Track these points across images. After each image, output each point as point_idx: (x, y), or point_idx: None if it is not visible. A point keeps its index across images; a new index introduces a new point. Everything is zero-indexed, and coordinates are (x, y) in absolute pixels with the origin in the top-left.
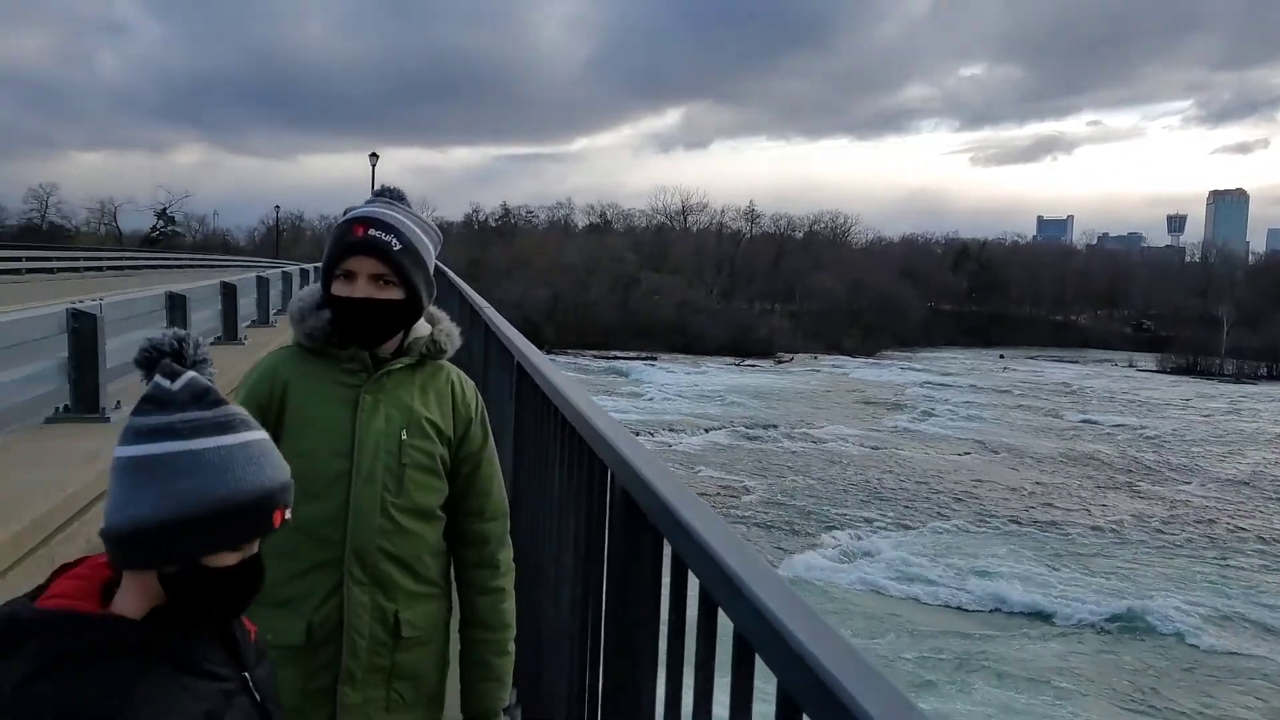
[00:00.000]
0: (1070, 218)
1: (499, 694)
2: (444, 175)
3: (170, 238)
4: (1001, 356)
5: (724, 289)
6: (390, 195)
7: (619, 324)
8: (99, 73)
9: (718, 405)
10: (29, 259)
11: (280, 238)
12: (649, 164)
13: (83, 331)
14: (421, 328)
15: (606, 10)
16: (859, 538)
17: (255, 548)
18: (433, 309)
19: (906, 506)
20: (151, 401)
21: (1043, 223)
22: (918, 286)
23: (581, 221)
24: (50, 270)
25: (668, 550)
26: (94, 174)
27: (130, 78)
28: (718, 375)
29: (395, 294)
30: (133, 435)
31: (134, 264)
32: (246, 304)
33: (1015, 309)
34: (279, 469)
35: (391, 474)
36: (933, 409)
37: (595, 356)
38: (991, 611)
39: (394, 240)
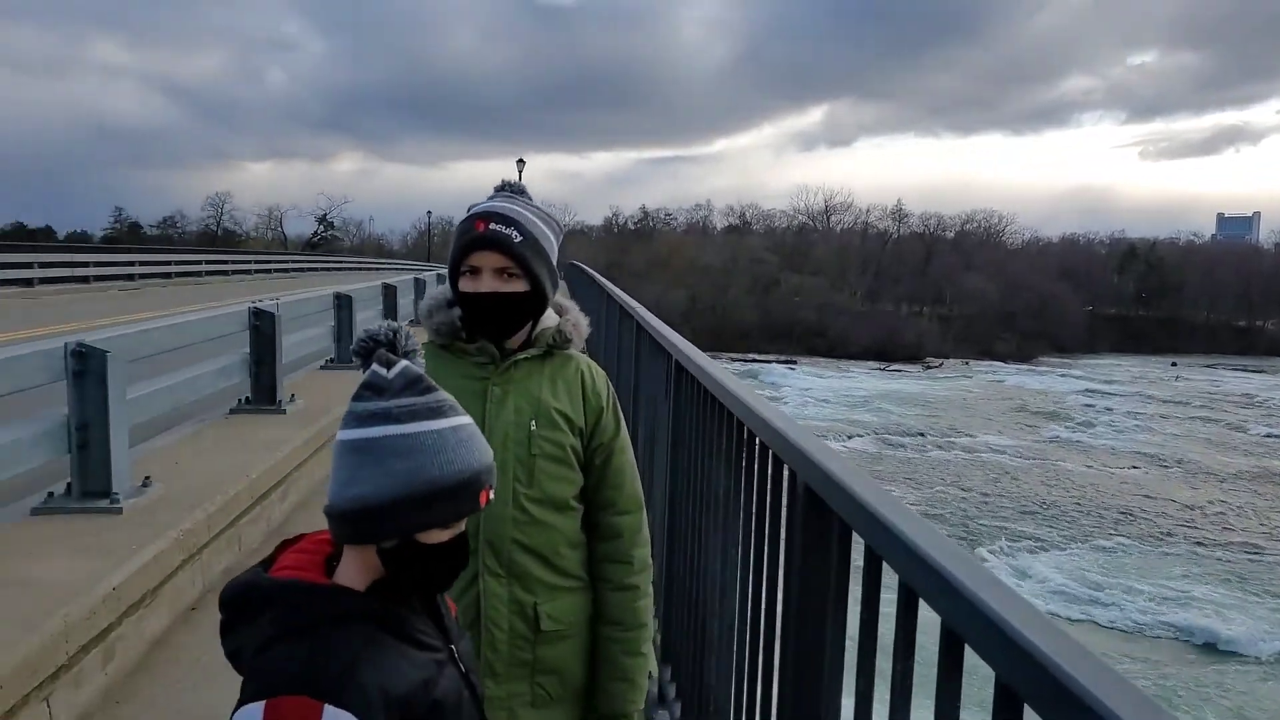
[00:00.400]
0: (1256, 214)
1: (630, 696)
2: (584, 180)
3: (330, 242)
4: (1174, 364)
5: (869, 291)
6: (510, 189)
7: (757, 326)
8: (268, 87)
9: (861, 411)
10: (208, 262)
11: (431, 242)
12: (790, 163)
13: (263, 329)
14: (549, 318)
15: (747, 10)
16: (1018, 553)
17: (463, 526)
18: (562, 299)
19: (1069, 522)
20: (370, 388)
21: (1224, 220)
22: (1078, 289)
23: (720, 223)
24: (226, 273)
25: (857, 547)
26: (263, 182)
27: (295, 91)
28: (861, 380)
29: (519, 286)
30: (354, 419)
31: (298, 267)
32: (405, 304)
33: (1190, 313)
34: (484, 451)
35: (522, 464)
36: (1095, 419)
37: (732, 359)
38: (1180, 640)
39: (514, 233)
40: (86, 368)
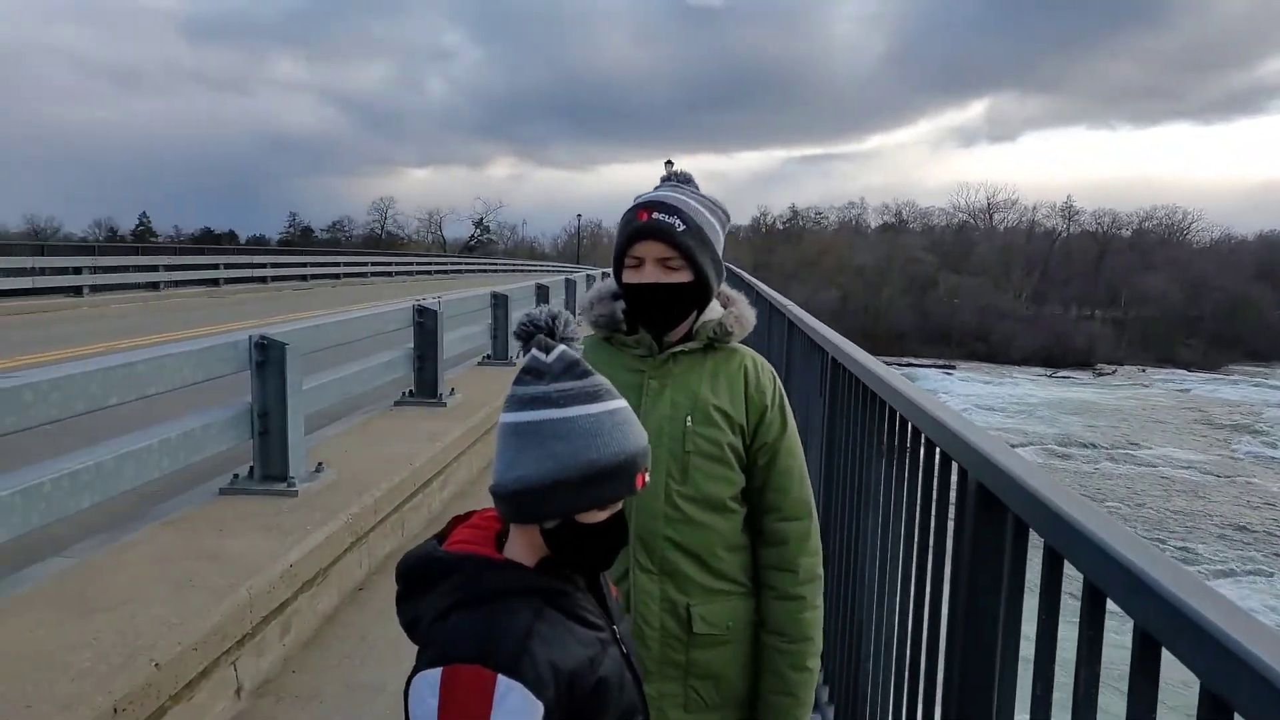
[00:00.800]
0: None
1: (794, 712)
2: (731, 180)
3: (485, 245)
4: None
5: (1035, 292)
6: (676, 179)
7: (913, 328)
8: (428, 96)
9: (1025, 419)
10: (373, 264)
11: (580, 244)
12: (949, 160)
13: (426, 325)
14: (713, 310)
15: (902, 4)
16: (1213, 579)
17: (619, 506)
18: (729, 290)
19: (1270, 545)
20: (530, 372)
21: None
22: (1278, 291)
23: (874, 221)
24: (389, 274)
25: (1035, 548)
26: (423, 187)
27: (453, 99)
28: (1025, 387)
29: (683, 276)
30: (516, 403)
31: (456, 269)
32: (557, 303)
33: None
34: (639, 435)
35: (676, 461)
36: None
37: (885, 362)
38: None
39: (678, 222)
40: (268, 359)
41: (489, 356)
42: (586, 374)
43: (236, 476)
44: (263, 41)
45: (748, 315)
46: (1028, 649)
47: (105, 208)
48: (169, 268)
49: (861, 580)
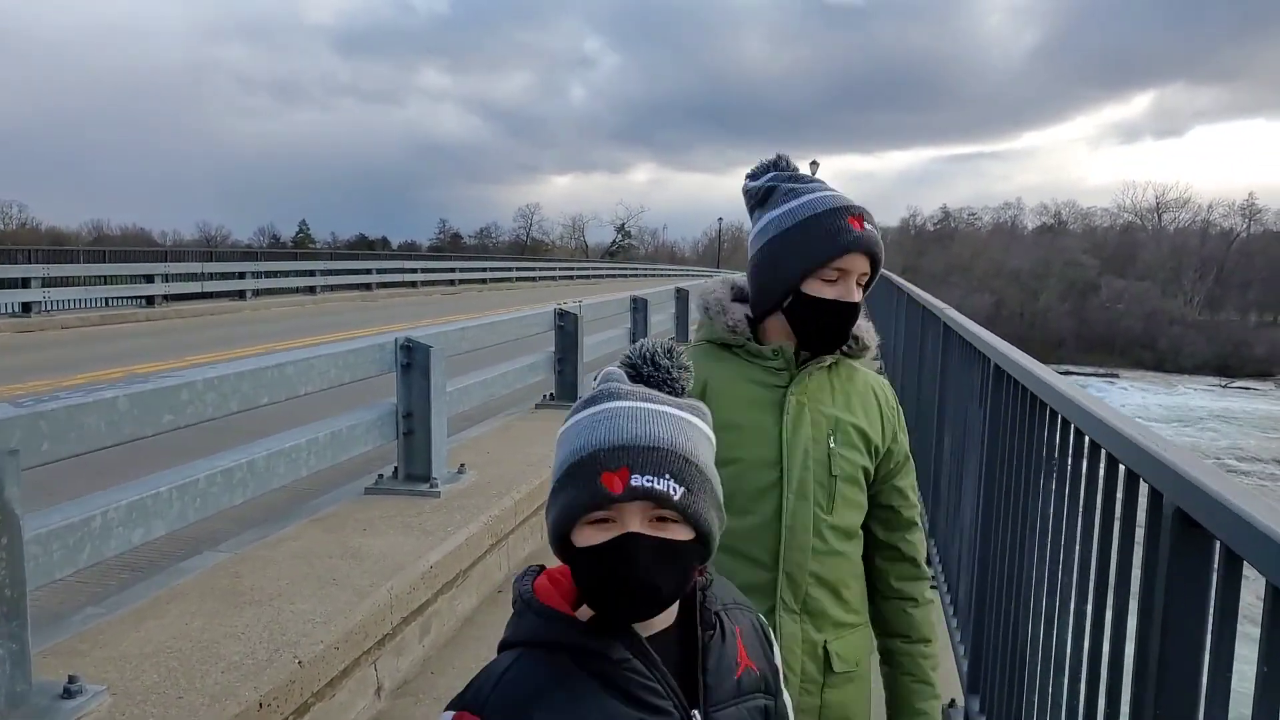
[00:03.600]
0: None
1: (938, 711)
2: (878, 180)
3: (627, 250)
4: None
5: (1209, 297)
6: (790, 171)
7: (1072, 334)
8: (570, 103)
9: (1197, 431)
10: (518, 269)
11: (721, 248)
12: (1110, 157)
13: (566, 329)
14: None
15: None
16: None
17: (616, 529)
18: None
19: None
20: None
21: None
22: None
23: (1031, 223)
24: (533, 279)
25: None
26: (566, 194)
27: (594, 105)
28: (1198, 398)
29: (861, 294)
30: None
31: (597, 273)
32: (695, 308)
33: None
34: (614, 429)
35: (823, 487)
36: None
37: None
38: None
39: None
40: (413, 361)
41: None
42: (606, 384)
43: (381, 477)
44: (410, 53)
45: (870, 328)
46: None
47: (268, 216)
48: (325, 272)
49: (1026, 606)
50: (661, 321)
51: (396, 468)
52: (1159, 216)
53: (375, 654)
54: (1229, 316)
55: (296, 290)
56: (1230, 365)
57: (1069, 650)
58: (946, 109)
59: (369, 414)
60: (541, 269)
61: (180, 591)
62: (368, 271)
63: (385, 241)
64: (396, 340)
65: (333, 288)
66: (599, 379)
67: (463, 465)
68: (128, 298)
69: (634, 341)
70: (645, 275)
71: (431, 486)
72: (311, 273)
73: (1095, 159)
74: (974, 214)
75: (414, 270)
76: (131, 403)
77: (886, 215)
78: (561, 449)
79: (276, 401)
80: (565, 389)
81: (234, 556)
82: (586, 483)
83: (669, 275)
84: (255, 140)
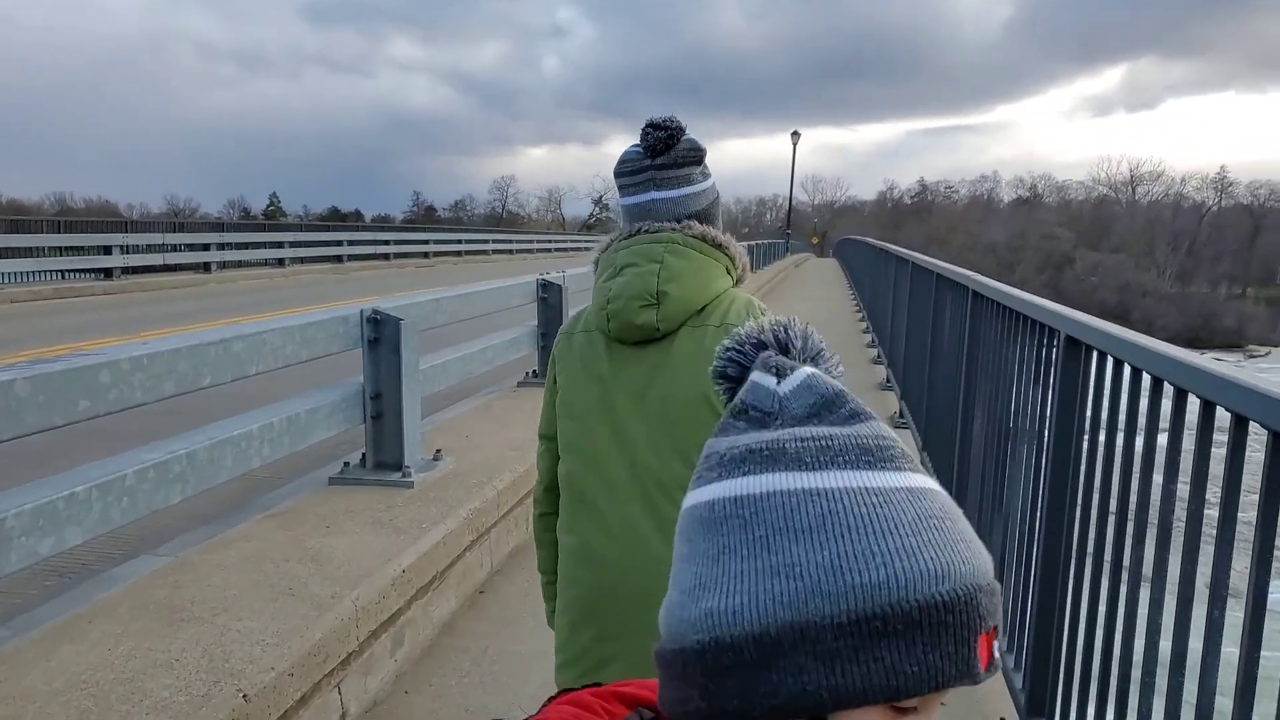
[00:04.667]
0: None
1: None
2: (854, 153)
3: (605, 223)
4: None
5: (1180, 270)
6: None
7: None
8: (543, 75)
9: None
10: (494, 241)
11: None
12: (1084, 130)
13: (550, 300)
14: None
15: None
16: None
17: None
18: None
19: None
20: (744, 413)
21: None
22: None
23: (1008, 196)
24: (510, 251)
25: None
26: (541, 166)
27: (568, 77)
28: None
29: None
30: (714, 466)
31: (575, 246)
32: None
33: None
34: (980, 554)
35: None
36: None
37: None
38: None
39: None
40: (381, 335)
41: None
42: (858, 416)
43: (347, 465)
44: (380, 23)
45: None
46: None
47: (238, 188)
48: (294, 244)
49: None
50: None
51: (364, 455)
52: (1133, 189)
53: (339, 675)
54: (1200, 289)
55: (265, 263)
56: (1201, 337)
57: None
58: (922, 82)
59: (332, 395)
60: (519, 241)
61: (108, 605)
62: (339, 243)
63: (358, 214)
64: (362, 312)
65: (303, 260)
66: (789, 377)
67: (439, 451)
68: (84, 270)
69: None
70: None
71: (404, 476)
72: (280, 244)
73: (1069, 132)
74: (951, 187)
75: (387, 242)
76: (35, 387)
77: (864, 188)
78: (864, 545)
79: (221, 384)
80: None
81: (174, 562)
82: (961, 640)
83: None
84: (222, 111)
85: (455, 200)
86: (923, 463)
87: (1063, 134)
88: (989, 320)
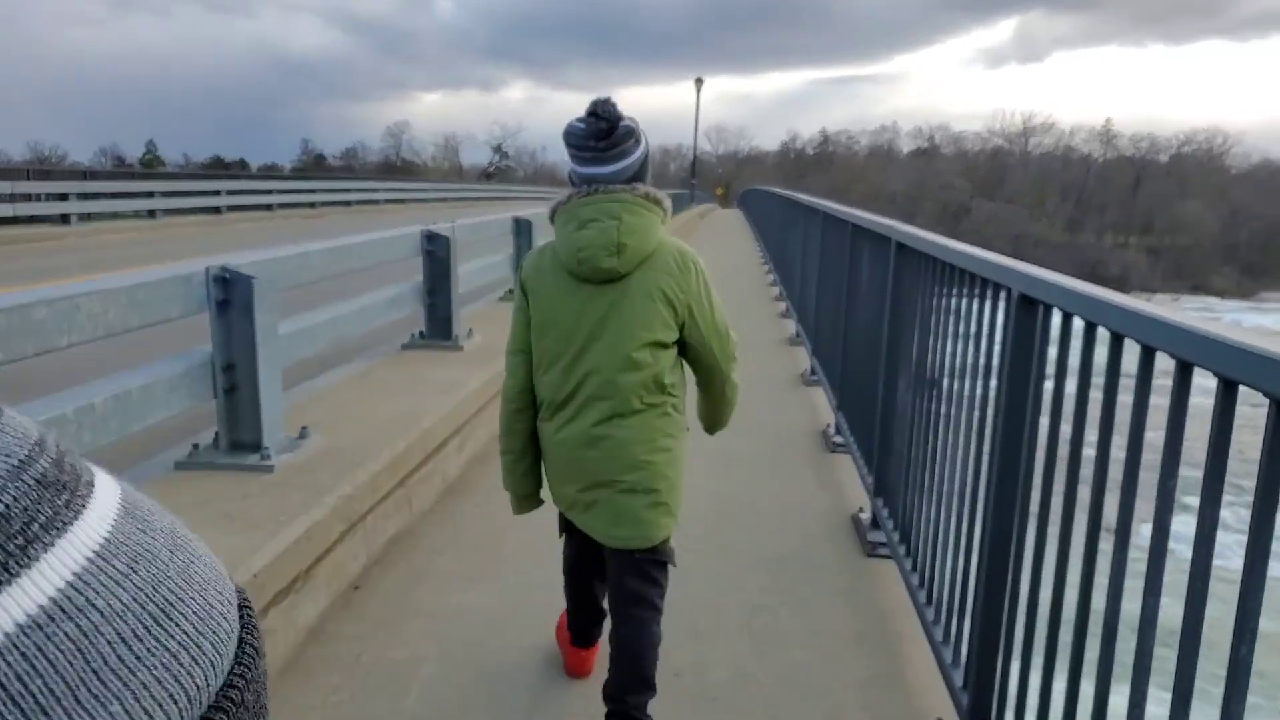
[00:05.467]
0: None
1: None
2: (757, 102)
3: (505, 171)
4: None
5: (1069, 220)
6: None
7: None
8: (436, 15)
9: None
10: (386, 190)
11: None
12: (977, 82)
13: (437, 253)
14: None
15: None
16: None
17: None
18: None
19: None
20: None
21: None
22: None
23: (907, 146)
24: (403, 201)
25: None
26: (437, 112)
27: (461, 19)
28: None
29: None
30: None
31: (473, 196)
32: None
33: None
34: None
35: None
36: None
37: None
38: None
39: None
40: (231, 296)
41: (511, 292)
42: None
43: (197, 447)
44: None
45: None
46: None
47: (111, 135)
48: (167, 194)
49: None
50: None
51: (217, 434)
52: (1026, 141)
53: None
54: (1087, 238)
55: (135, 214)
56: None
57: None
58: (820, 31)
59: (174, 367)
60: (413, 191)
61: None
62: (216, 193)
63: (243, 163)
64: (209, 270)
65: (178, 211)
66: None
67: (305, 428)
68: None
69: (518, 270)
70: (525, 199)
71: (262, 458)
72: (150, 194)
73: (965, 83)
74: (852, 137)
75: (270, 192)
76: None
77: (766, 138)
78: None
79: (19, 359)
80: (437, 325)
81: None
82: None
83: (549, 199)
84: (89, 51)
85: (346, 148)
86: (839, 423)
87: (959, 85)
88: (921, 274)
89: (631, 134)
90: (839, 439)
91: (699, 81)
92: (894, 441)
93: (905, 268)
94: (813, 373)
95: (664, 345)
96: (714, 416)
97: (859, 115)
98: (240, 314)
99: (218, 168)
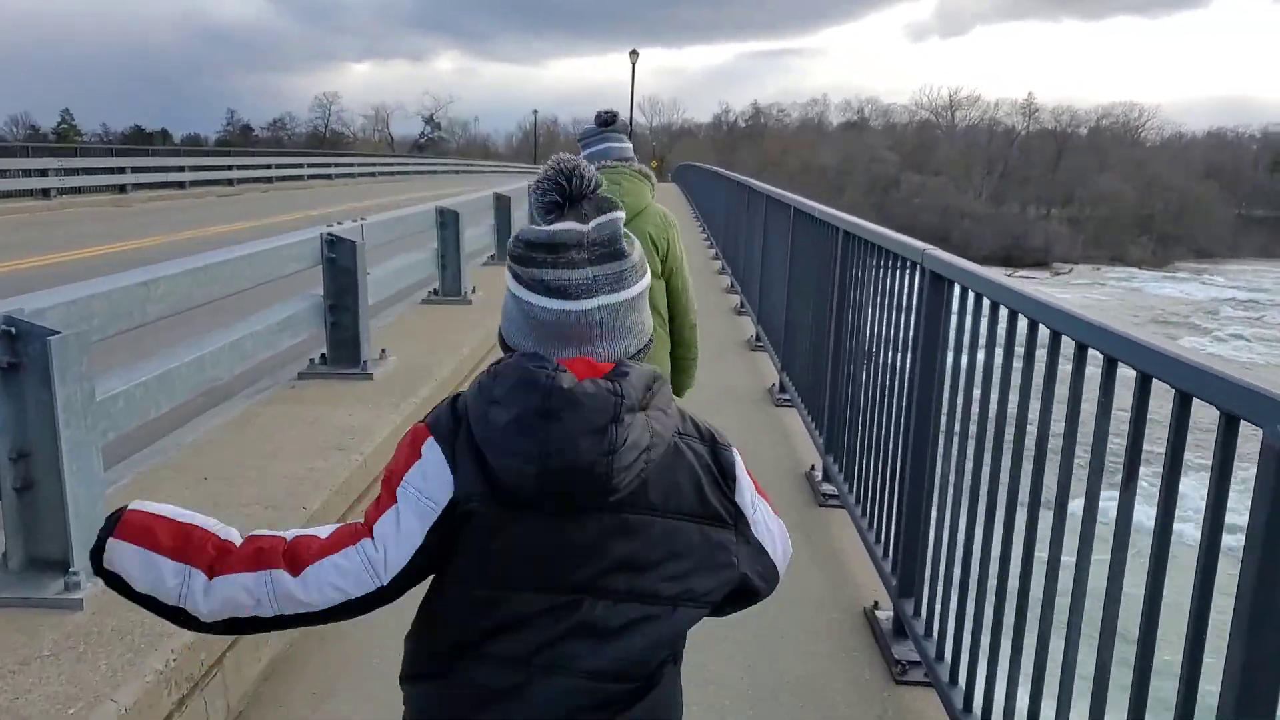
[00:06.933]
0: None
1: None
2: (687, 76)
3: (437, 143)
4: None
5: (994, 192)
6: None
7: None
8: None
9: None
10: (310, 165)
11: (537, 143)
12: (903, 56)
13: (340, 261)
14: None
15: None
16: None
17: None
18: None
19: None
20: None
21: None
22: (1225, 190)
23: (837, 119)
24: (329, 177)
25: None
26: (367, 83)
27: None
28: None
29: None
30: None
31: (402, 169)
32: (520, 216)
33: None
34: None
35: None
36: (1249, 332)
37: None
38: None
39: None
40: (21, 358)
41: (435, 292)
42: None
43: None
44: None
45: None
46: None
47: (22, 103)
48: (62, 171)
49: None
50: (479, 236)
51: (4, 553)
52: (952, 114)
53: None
54: (1011, 210)
55: (29, 193)
56: (1013, 256)
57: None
58: (747, 4)
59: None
60: (339, 165)
61: None
62: (121, 170)
63: (165, 134)
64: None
65: (79, 190)
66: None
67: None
68: None
69: (444, 269)
70: (458, 172)
71: (68, 587)
72: (44, 172)
73: (891, 57)
74: (783, 110)
75: (181, 169)
76: None
77: (699, 111)
78: None
79: None
80: (342, 348)
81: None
82: None
83: (483, 172)
84: (4, 13)
85: (274, 119)
86: (782, 385)
87: (886, 59)
88: (856, 255)
89: (625, 127)
90: (784, 396)
91: (634, 54)
92: (833, 400)
93: (847, 251)
94: (758, 339)
95: (655, 274)
96: (683, 365)
97: (789, 88)
98: (36, 382)
99: (139, 139)
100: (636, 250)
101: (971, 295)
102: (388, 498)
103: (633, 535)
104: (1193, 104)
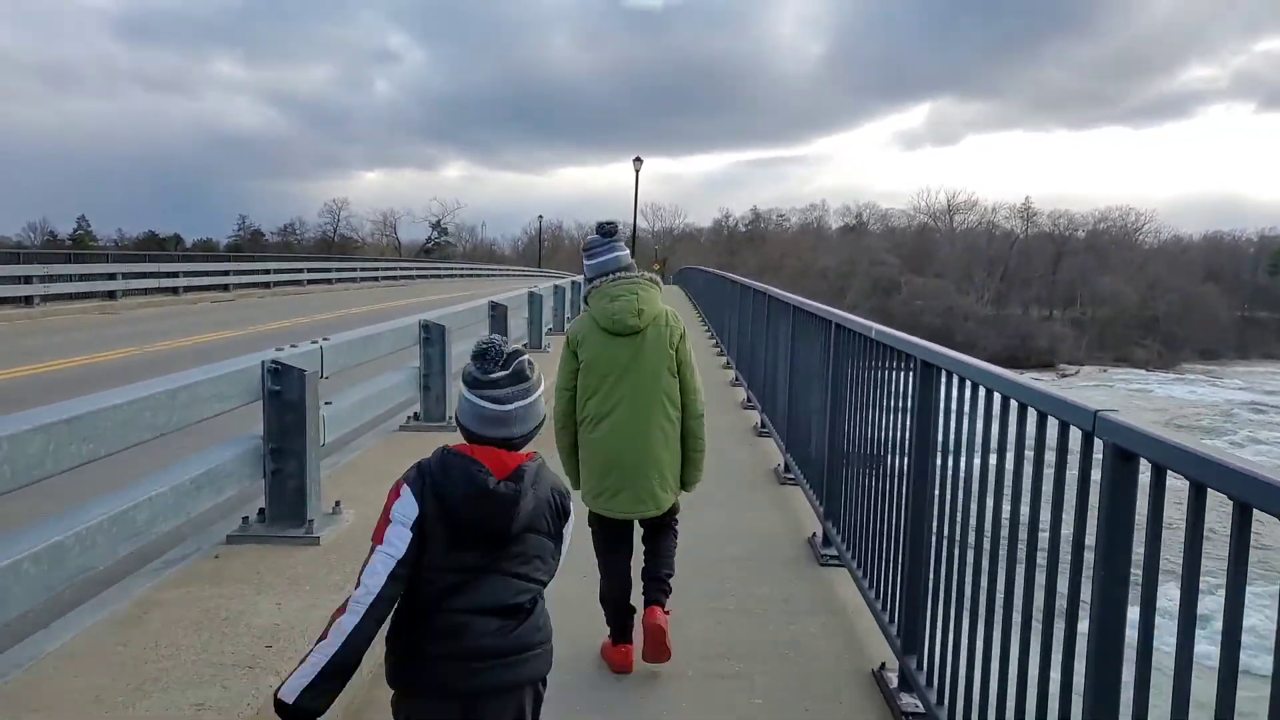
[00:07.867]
0: None
1: None
2: (686, 183)
3: (443, 247)
4: None
5: (996, 294)
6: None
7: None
8: (375, 98)
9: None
10: (309, 270)
11: (542, 247)
12: (897, 162)
13: (286, 395)
14: None
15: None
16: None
17: None
18: None
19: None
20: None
21: None
22: (1225, 291)
23: (836, 223)
24: (329, 281)
25: None
26: (376, 190)
27: (400, 101)
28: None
29: None
30: None
31: (406, 274)
32: (519, 325)
33: None
34: None
35: None
36: (1265, 435)
37: None
38: None
39: None
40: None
41: (415, 417)
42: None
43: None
44: (200, 41)
45: None
46: None
47: (41, 211)
48: (46, 278)
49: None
50: (470, 353)
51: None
52: (950, 218)
53: None
54: (1014, 311)
55: (17, 300)
56: (1018, 357)
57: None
58: (742, 114)
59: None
60: (340, 270)
61: None
62: (111, 276)
63: (178, 239)
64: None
65: (69, 297)
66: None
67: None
68: None
69: (426, 390)
70: (464, 275)
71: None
72: (29, 278)
73: (886, 164)
74: (782, 215)
75: (175, 274)
76: None
77: (699, 216)
78: None
79: None
80: (284, 502)
81: None
82: None
83: (490, 275)
84: (25, 129)
85: (284, 224)
86: (787, 465)
87: (880, 165)
88: (853, 351)
89: (625, 236)
90: (789, 475)
91: (638, 161)
92: (839, 486)
93: (841, 345)
94: (763, 426)
95: (670, 373)
96: (691, 458)
97: (788, 194)
98: None
99: (153, 244)
100: (535, 372)
101: (956, 379)
102: (385, 522)
103: (519, 542)
104: (1187, 206)
